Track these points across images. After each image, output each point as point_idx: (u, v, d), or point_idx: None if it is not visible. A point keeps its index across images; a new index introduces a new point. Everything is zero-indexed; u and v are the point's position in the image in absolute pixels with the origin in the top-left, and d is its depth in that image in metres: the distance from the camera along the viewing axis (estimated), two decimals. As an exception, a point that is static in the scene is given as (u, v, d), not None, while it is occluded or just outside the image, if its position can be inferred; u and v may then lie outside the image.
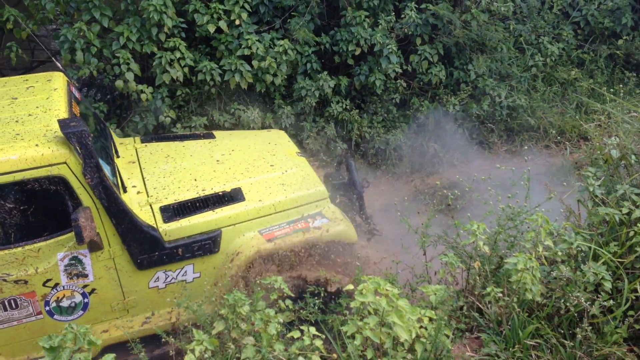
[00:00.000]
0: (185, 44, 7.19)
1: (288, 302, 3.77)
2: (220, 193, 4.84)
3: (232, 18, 7.38)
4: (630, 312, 3.57)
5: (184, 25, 7.28)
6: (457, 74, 8.48)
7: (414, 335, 3.18)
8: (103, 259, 4.29)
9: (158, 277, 4.55)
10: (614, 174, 4.35)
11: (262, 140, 5.83)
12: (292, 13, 7.93)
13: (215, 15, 7.31)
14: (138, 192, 4.73)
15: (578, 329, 3.45)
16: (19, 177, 3.86)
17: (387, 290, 3.26)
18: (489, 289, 3.58)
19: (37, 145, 3.92)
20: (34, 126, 4.12)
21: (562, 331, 3.61)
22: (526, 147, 8.01)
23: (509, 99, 8.38)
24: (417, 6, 8.09)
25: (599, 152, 4.33)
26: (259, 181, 5.05)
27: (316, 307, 4.09)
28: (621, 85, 5.77)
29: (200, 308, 3.79)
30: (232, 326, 3.42)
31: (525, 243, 3.69)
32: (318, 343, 3.24)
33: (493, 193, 4.45)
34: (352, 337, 3.22)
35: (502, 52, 8.57)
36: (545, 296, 3.65)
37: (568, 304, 3.52)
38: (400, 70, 8.06)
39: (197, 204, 4.69)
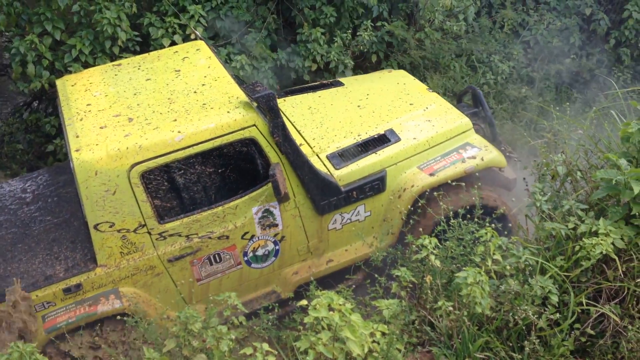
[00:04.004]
0: (139, 58, 7.11)
1: (241, 318, 3.75)
2: (376, 136, 5.10)
3: (187, 32, 7.34)
4: (577, 325, 3.66)
5: (138, 39, 7.20)
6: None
7: (366, 350, 3.20)
8: (289, 208, 4.67)
9: (335, 220, 4.90)
10: (561, 189, 4.47)
11: (391, 82, 5.98)
12: (249, 29, 7.94)
13: (170, 30, 7.26)
14: (300, 145, 4.83)
15: (526, 342, 3.52)
16: (217, 142, 4.26)
17: (340, 305, 3.28)
18: (440, 303, 3.63)
19: (228, 112, 4.29)
20: (214, 95, 4.49)
21: (511, 344, 3.67)
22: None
23: (463, 116, 8.53)
24: (372, 24, 8.20)
25: (545, 168, 4.44)
26: (406, 120, 5.28)
27: (270, 323, 4.08)
28: (568, 103, 5.94)
29: (150, 326, 3.74)
30: (184, 344, 3.38)
31: (475, 257, 3.76)
32: None
33: (445, 207, 4.52)
34: (306, 352, 3.22)
35: (455, 70, 8.75)
36: (495, 310, 3.71)
37: (516, 317, 3.59)
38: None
39: (359, 149, 4.99)
